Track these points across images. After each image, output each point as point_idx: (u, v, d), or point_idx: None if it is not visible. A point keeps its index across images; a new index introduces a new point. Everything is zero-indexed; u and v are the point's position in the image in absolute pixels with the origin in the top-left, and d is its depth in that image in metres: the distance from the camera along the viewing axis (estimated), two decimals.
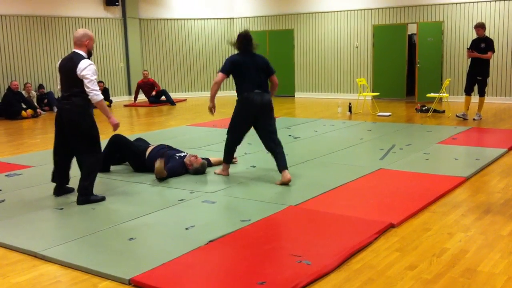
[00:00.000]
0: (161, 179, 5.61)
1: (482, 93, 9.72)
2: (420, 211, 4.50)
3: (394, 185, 5.28)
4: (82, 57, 4.85)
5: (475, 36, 12.28)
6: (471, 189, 5.21)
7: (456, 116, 9.86)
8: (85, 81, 4.77)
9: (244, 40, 5.65)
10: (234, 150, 5.87)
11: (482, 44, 9.60)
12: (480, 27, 9.68)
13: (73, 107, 4.87)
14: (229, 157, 5.84)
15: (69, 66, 4.85)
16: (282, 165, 5.47)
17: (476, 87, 9.80)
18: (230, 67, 5.55)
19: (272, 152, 5.59)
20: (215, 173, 5.88)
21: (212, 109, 5.81)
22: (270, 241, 3.88)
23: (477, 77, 9.67)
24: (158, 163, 5.51)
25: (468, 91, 9.84)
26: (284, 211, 4.52)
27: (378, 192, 5.05)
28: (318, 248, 3.67)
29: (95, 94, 4.85)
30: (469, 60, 9.95)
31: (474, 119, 9.67)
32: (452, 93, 12.71)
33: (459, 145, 7.29)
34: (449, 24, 12.79)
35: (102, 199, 5.00)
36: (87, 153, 4.96)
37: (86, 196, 4.91)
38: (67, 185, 5.29)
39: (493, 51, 9.63)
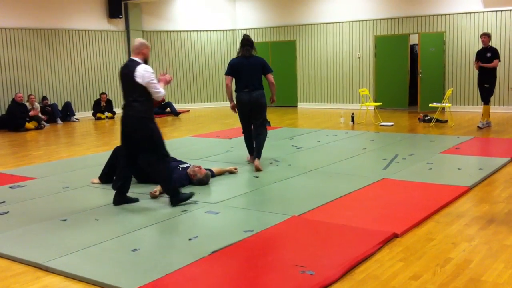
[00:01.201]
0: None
1: (487, 101, 9.80)
2: (423, 221, 4.49)
3: (397, 195, 5.28)
4: (138, 63, 5.04)
5: (476, 46, 12.36)
6: (475, 199, 5.20)
7: (479, 127, 9.80)
8: (148, 85, 4.96)
9: (241, 43, 6.60)
10: (251, 142, 6.81)
11: (488, 54, 9.74)
12: (486, 36, 9.83)
13: (134, 113, 5.02)
14: (249, 149, 6.92)
15: (126, 72, 5.06)
16: (256, 155, 6.60)
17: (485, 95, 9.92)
18: (229, 69, 6.62)
19: (254, 140, 6.69)
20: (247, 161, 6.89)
21: (234, 108, 6.78)
22: (274, 251, 3.88)
23: (485, 85, 9.79)
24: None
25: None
26: (287, 222, 4.51)
27: (382, 202, 5.04)
28: (322, 259, 3.66)
29: (159, 93, 5.06)
30: (477, 70, 10.03)
31: (478, 127, 9.68)
32: (455, 103, 12.72)
33: (462, 154, 7.28)
34: (450, 35, 12.82)
35: (191, 195, 5.18)
36: (152, 158, 5.07)
37: (176, 196, 5.10)
38: (127, 195, 5.29)
39: (499, 60, 9.77)
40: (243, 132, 6.89)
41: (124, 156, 5.22)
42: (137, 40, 5.21)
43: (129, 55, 15.03)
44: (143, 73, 4.94)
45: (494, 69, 9.76)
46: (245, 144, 6.99)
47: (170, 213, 4.86)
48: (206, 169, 6.00)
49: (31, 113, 11.91)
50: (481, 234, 4.17)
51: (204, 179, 5.87)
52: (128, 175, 5.25)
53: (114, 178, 5.56)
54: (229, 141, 9.07)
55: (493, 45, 11.41)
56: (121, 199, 5.23)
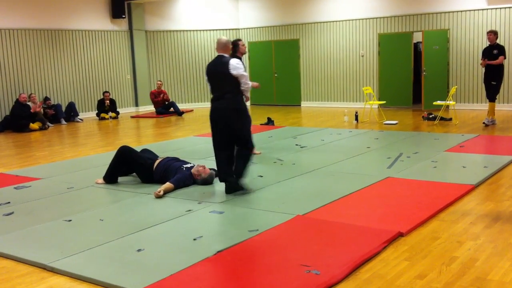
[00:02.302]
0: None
1: (492, 99, 9.79)
2: (428, 220, 4.48)
3: (402, 194, 5.27)
4: (229, 58, 5.36)
5: (481, 43, 12.33)
6: (480, 197, 5.18)
7: (485, 124, 9.81)
8: (240, 76, 5.28)
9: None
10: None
11: (494, 51, 9.74)
12: (492, 33, 9.84)
13: (228, 105, 5.28)
14: None
15: (218, 67, 5.32)
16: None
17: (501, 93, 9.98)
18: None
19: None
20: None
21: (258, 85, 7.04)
22: (278, 251, 3.87)
23: (492, 82, 9.80)
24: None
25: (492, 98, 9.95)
26: (292, 221, 4.51)
27: (386, 201, 5.03)
28: (327, 258, 3.65)
29: (248, 84, 5.42)
30: (483, 68, 10.01)
31: (484, 123, 9.66)
32: (459, 100, 12.69)
33: (467, 152, 7.26)
34: (454, 32, 12.78)
35: (245, 190, 5.44)
36: (243, 145, 5.39)
37: (240, 184, 5.38)
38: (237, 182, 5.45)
39: (505, 56, 9.75)
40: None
41: (219, 148, 5.44)
42: (223, 38, 5.52)
43: (133, 55, 15.15)
44: (236, 65, 5.28)
45: (501, 66, 9.75)
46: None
47: (175, 213, 4.86)
48: (210, 169, 6.00)
49: (32, 109, 11.90)
50: (486, 232, 4.15)
51: (208, 179, 5.87)
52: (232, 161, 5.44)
53: (218, 171, 5.59)
54: None
55: (498, 42, 11.39)
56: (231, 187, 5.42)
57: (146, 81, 15.64)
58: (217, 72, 5.35)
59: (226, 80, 5.27)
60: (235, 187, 5.41)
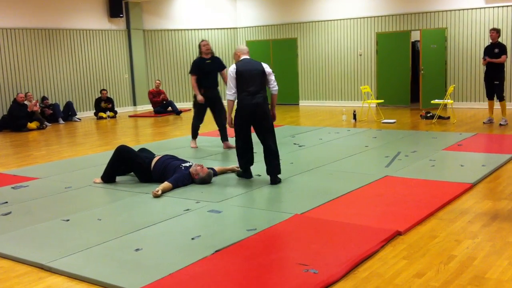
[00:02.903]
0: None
1: (501, 98, 9.82)
2: (426, 218, 4.48)
3: (400, 193, 5.27)
4: (259, 61, 6.04)
5: (478, 41, 12.35)
6: (478, 195, 5.18)
7: (484, 123, 9.84)
8: (271, 77, 6.01)
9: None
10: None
11: (495, 49, 9.74)
12: (495, 31, 9.85)
13: (262, 101, 5.83)
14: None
15: (256, 69, 5.90)
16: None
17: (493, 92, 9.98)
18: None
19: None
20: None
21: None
22: (277, 250, 3.87)
23: (494, 81, 9.82)
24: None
25: (490, 96, 9.97)
26: (290, 220, 4.51)
27: (384, 200, 5.03)
28: (325, 257, 3.65)
29: (276, 87, 6.05)
30: (485, 66, 10.01)
31: (500, 124, 9.66)
32: (457, 99, 12.70)
33: (465, 151, 7.27)
34: (452, 31, 12.79)
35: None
36: (273, 136, 5.91)
37: (278, 173, 5.87)
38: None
39: (507, 55, 9.77)
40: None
41: (242, 140, 5.97)
42: (244, 45, 6.44)
43: (131, 54, 15.13)
44: (268, 68, 5.97)
45: (502, 65, 9.75)
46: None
47: (173, 213, 4.85)
48: (208, 168, 5.99)
49: (28, 108, 11.87)
50: (484, 231, 4.16)
51: (206, 178, 5.87)
52: (251, 153, 6.06)
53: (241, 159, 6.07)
54: (231, 139, 9.04)
55: (500, 41, 11.43)
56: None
57: (144, 81, 15.63)
58: (255, 71, 5.88)
59: (261, 79, 5.90)
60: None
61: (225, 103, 7.26)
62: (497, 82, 9.77)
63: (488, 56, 9.74)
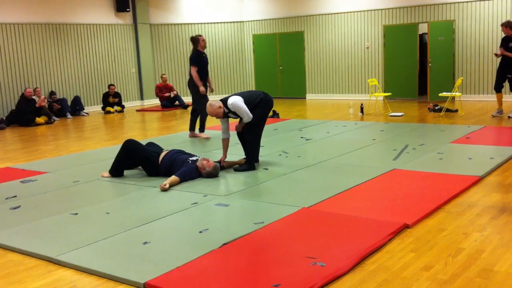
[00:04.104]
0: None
1: None
2: (434, 211, 4.47)
3: (408, 186, 5.25)
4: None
5: (487, 34, 12.27)
6: (486, 188, 5.16)
7: (493, 116, 9.82)
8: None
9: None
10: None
11: (510, 43, 9.65)
12: (504, 25, 9.78)
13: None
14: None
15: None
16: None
17: (507, 85, 10.05)
18: None
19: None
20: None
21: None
22: (284, 243, 3.87)
23: (507, 75, 9.78)
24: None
25: (498, 88, 9.94)
26: (298, 213, 4.51)
27: (392, 193, 5.02)
28: (332, 250, 3.65)
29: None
30: (499, 58, 9.97)
31: (509, 117, 9.62)
32: (465, 92, 12.63)
33: (473, 144, 7.23)
34: (460, 23, 12.70)
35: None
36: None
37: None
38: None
39: None
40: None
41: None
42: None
43: (138, 48, 15.15)
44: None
45: None
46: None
47: (180, 206, 4.87)
48: (215, 162, 6.00)
49: (37, 104, 11.94)
50: (492, 223, 4.14)
51: (213, 172, 5.88)
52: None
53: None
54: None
55: (503, 34, 11.35)
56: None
57: (151, 75, 15.65)
58: None
59: None
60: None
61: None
62: (510, 76, 9.70)
63: (504, 48, 9.66)
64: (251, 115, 6.05)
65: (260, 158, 6.74)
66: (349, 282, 3.21)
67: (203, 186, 5.56)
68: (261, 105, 6.19)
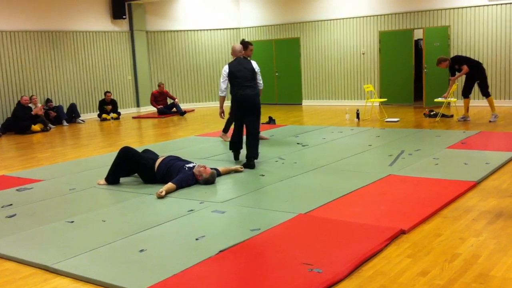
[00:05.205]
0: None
1: (487, 94, 10.08)
2: (430, 217, 4.48)
3: (404, 191, 5.26)
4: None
5: (482, 40, 12.35)
6: (482, 193, 5.17)
7: (490, 121, 9.89)
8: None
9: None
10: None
11: (456, 66, 10.12)
12: (437, 63, 10.31)
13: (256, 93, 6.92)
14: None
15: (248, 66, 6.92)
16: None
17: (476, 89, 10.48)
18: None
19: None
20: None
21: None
22: (281, 250, 3.87)
23: (476, 81, 10.14)
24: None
25: (466, 94, 10.26)
26: (294, 220, 4.51)
27: (388, 198, 5.03)
28: (329, 256, 3.66)
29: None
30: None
31: (490, 121, 9.71)
32: (460, 97, 12.64)
33: (469, 149, 7.25)
34: (455, 29, 12.76)
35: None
36: (258, 123, 6.99)
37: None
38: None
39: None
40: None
41: (238, 126, 6.90)
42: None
43: (134, 56, 15.17)
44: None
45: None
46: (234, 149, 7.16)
47: (177, 213, 4.86)
48: (212, 168, 6.00)
49: (33, 111, 11.93)
50: (489, 228, 4.15)
51: (209, 179, 5.88)
52: (241, 139, 6.96)
53: (232, 140, 7.03)
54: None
55: (497, 39, 11.59)
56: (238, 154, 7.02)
57: (147, 82, 15.66)
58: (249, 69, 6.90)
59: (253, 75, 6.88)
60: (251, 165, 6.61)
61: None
62: (479, 81, 10.04)
63: (452, 74, 10.30)
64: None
65: (256, 164, 6.76)
66: None
67: (200, 193, 5.56)
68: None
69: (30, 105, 12.12)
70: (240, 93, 6.79)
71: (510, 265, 3.43)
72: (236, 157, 7.10)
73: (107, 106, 13.80)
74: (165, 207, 5.15)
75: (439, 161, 6.59)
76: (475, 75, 10.05)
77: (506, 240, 3.89)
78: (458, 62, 10.09)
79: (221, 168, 6.32)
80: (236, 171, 6.45)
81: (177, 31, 15.87)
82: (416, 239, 3.97)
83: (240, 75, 6.80)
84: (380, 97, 13.26)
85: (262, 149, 7.85)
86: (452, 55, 12.78)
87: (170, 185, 5.60)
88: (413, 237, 4.03)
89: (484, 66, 10.57)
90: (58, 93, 13.64)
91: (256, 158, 6.73)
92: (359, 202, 4.99)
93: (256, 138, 6.79)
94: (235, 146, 7.04)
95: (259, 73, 7.05)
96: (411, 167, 6.31)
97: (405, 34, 13.49)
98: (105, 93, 13.98)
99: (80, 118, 13.47)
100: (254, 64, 6.97)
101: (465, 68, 9.94)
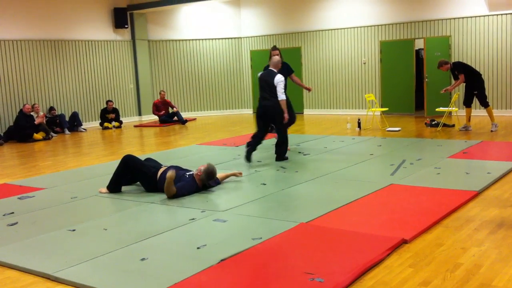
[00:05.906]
0: (170, 196, 5.66)
1: (486, 104, 10.04)
2: (432, 226, 4.47)
3: (405, 201, 5.26)
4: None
5: (482, 49, 12.37)
6: (483, 203, 5.17)
7: (491, 131, 9.90)
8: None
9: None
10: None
11: (456, 71, 10.13)
12: (438, 66, 10.33)
13: (274, 103, 7.40)
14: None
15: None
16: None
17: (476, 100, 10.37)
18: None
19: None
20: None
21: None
22: (282, 259, 3.87)
23: (474, 91, 10.12)
24: (170, 173, 5.62)
25: (468, 104, 10.25)
26: (295, 229, 4.51)
27: (390, 208, 5.03)
28: (331, 266, 3.65)
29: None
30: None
31: (491, 131, 9.71)
32: (462, 107, 12.66)
33: (470, 159, 7.25)
34: (456, 39, 12.81)
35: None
36: (281, 129, 7.64)
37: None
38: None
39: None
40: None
41: (260, 131, 7.57)
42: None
43: (136, 64, 15.22)
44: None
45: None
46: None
47: (178, 222, 4.86)
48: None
49: (36, 121, 11.98)
50: (490, 238, 4.14)
51: (209, 167, 5.88)
52: (257, 139, 7.53)
53: (252, 135, 7.57)
54: (235, 148, 9.08)
55: (499, 49, 11.56)
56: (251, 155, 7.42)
57: (149, 90, 15.70)
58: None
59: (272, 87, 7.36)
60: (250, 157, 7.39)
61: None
62: (476, 92, 10.04)
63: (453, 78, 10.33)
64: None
65: (257, 173, 6.76)
66: None
67: (201, 201, 5.56)
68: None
69: (32, 113, 12.15)
70: (259, 103, 7.62)
71: None
72: (248, 157, 7.44)
73: (109, 115, 13.85)
74: (166, 215, 5.15)
75: (440, 170, 6.59)
76: (472, 85, 10.05)
77: (507, 250, 3.88)
78: (457, 69, 10.11)
79: (218, 175, 6.29)
80: (234, 175, 6.47)
81: (179, 40, 15.94)
82: (417, 249, 3.97)
83: (260, 87, 7.57)
84: (381, 107, 13.28)
85: (263, 157, 7.87)
86: None
87: (170, 173, 5.61)
88: (414, 246, 4.02)
89: (485, 75, 10.62)
90: (60, 102, 13.68)
91: (281, 157, 7.61)
92: (360, 211, 4.98)
93: (279, 140, 7.61)
94: (250, 141, 7.52)
95: (279, 85, 7.29)
96: (412, 176, 6.31)
97: (406, 44, 13.53)
98: (107, 101, 14.03)
99: (82, 127, 13.50)
100: (277, 77, 7.29)
101: (461, 77, 9.97)
